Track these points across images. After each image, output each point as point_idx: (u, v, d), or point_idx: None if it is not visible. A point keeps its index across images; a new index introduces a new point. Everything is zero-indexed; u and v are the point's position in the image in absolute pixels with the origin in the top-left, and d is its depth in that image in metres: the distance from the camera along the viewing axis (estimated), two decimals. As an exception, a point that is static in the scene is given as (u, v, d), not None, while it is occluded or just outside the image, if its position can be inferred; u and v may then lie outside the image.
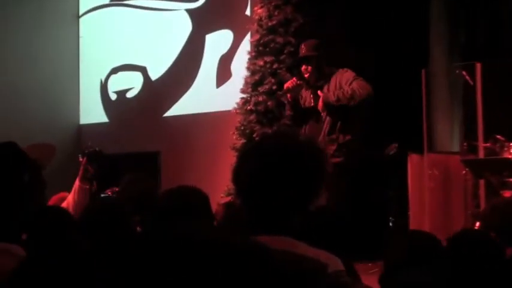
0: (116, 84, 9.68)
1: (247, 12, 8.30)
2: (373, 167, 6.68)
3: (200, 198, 2.65)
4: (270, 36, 7.17)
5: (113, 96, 9.76)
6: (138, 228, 3.06)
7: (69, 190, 4.35)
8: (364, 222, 6.07)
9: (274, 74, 7.07)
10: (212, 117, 8.33)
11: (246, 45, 8.06)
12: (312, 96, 5.73)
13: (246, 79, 7.36)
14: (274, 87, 6.94)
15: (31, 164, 2.32)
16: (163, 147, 8.88)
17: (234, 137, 7.19)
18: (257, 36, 7.33)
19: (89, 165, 4.40)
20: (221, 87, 8.51)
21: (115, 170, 5.47)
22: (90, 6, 10.05)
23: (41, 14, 9.46)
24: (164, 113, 9.11)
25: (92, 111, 9.86)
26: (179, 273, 1.01)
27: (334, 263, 1.90)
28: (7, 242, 2.24)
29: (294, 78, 5.85)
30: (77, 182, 4.34)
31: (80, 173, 4.38)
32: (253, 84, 7.18)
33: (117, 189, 4.87)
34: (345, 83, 5.57)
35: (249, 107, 7.11)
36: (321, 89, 5.68)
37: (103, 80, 9.82)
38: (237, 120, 7.26)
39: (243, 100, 7.28)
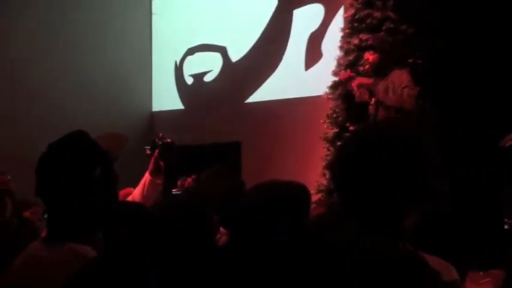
0: (192, 66, 9.86)
1: (341, -17, 8.31)
2: (485, 161, 6.59)
3: (302, 195, 2.68)
4: (366, 11, 7.12)
5: (189, 80, 9.94)
6: (221, 229, 3.14)
7: (136, 183, 4.48)
8: (475, 225, 6.00)
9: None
10: (300, 104, 8.36)
11: (338, 21, 8.06)
12: (366, 91, 5.98)
13: (338, 60, 7.34)
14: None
15: (103, 156, 2.42)
16: (245, 137, 8.97)
17: (325, 126, 7.19)
18: (351, 11, 7.29)
19: (160, 159, 4.50)
20: (310, 70, 8.55)
21: (190, 162, 5.61)
22: (163, -21, 10.29)
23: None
24: (246, 99, 9.21)
25: (165, 97, 10.08)
26: None
27: (448, 272, 1.90)
28: (79, 240, 2.36)
29: (348, 71, 6.06)
30: (147, 175, 4.44)
31: (151, 166, 4.47)
32: (347, 66, 7.15)
33: (189, 180, 5.02)
34: (398, 85, 5.81)
35: (342, 92, 7.11)
36: (375, 85, 5.91)
37: (178, 62, 10.01)
38: (329, 106, 7.26)
39: (335, 83, 7.28)
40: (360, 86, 5.98)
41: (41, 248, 2.40)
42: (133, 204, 3.21)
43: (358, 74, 6.83)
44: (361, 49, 7.06)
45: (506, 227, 6.48)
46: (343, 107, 7.05)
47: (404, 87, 5.65)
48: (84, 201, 2.34)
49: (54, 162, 2.35)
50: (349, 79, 5.96)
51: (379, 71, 6.20)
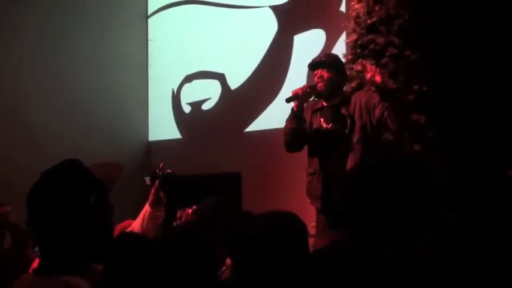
0: (190, 94, 9.89)
1: (342, 8, 8.36)
2: (494, 192, 6.58)
3: (298, 228, 2.70)
4: (370, 36, 7.16)
5: (187, 109, 9.97)
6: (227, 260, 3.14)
7: (134, 215, 4.48)
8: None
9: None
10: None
11: (341, 47, 8.10)
12: (331, 116, 5.69)
13: (341, 87, 7.37)
14: (374, 96, 6.93)
15: (97, 185, 2.42)
16: (245, 168, 8.98)
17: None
18: (354, 36, 7.32)
19: (161, 190, 4.49)
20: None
21: (188, 193, 5.61)
22: (160, 4, 10.34)
23: (107, 15, 9.79)
24: (246, 127, 9.23)
25: (162, 126, 10.11)
26: None
27: None
28: (73, 271, 2.36)
29: (305, 85, 5.81)
30: (146, 207, 4.44)
31: (151, 197, 4.46)
32: (349, 93, 7.16)
33: (189, 210, 5.01)
34: (372, 107, 5.50)
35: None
36: (338, 110, 5.67)
37: (175, 90, 10.05)
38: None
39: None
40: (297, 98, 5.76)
41: (32, 279, 2.40)
42: (135, 235, 3.22)
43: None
44: (364, 76, 7.08)
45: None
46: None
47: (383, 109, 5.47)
48: (77, 232, 2.34)
49: (46, 190, 2.36)
50: (308, 95, 5.74)
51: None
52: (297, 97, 5.68)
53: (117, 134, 9.65)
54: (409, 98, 6.87)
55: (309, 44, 8.67)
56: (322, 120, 5.73)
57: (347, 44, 7.65)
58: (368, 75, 5.39)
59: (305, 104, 5.79)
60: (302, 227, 2.73)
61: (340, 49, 8.04)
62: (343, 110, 5.60)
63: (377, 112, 5.45)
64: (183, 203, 5.28)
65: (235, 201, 5.84)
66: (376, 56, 7.08)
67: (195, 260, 2.62)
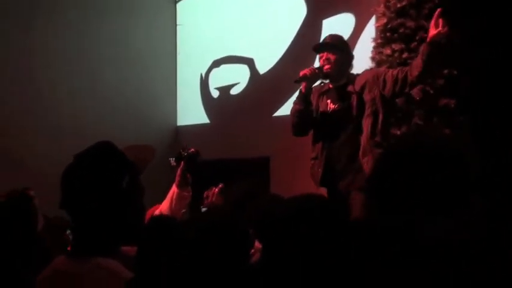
0: (219, 79, 9.93)
1: (372, -8, 8.34)
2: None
3: (328, 211, 2.71)
4: (399, 20, 7.13)
5: (215, 94, 10.01)
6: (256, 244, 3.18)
7: (161, 198, 4.53)
8: None
9: (404, 64, 6.99)
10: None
11: (370, 31, 8.09)
12: (337, 97, 5.66)
13: (370, 71, 7.36)
14: (404, 80, 6.91)
15: (130, 167, 2.45)
16: (274, 152, 9.01)
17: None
18: (384, 20, 7.30)
19: (187, 170, 4.54)
20: (341, 81, 8.58)
21: (217, 177, 5.65)
22: (188, -11, 10.39)
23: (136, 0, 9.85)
24: (274, 112, 9.25)
25: (190, 111, 10.16)
26: None
27: None
28: (106, 253, 2.40)
29: (313, 67, 5.78)
30: (174, 189, 4.48)
31: (178, 178, 4.51)
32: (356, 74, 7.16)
33: (215, 189, 5.06)
34: (382, 76, 5.43)
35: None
36: (345, 90, 5.65)
37: (203, 75, 10.09)
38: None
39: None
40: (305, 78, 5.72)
41: (66, 262, 2.44)
42: (166, 218, 3.26)
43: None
44: (393, 60, 7.07)
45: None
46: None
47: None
48: (110, 214, 2.37)
49: (80, 173, 2.39)
50: (316, 76, 5.70)
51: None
52: (305, 78, 5.68)
53: (146, 118, 9.71)
54: (438, 83, 6.86)
55: (338, 28, 8.65)
56: (329, 101, 5.73)
57: (376, 28, 7.63)
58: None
59: (312, 88, 5.80)
60: (332, 210, 2.73)
61: (369, 33, 8.03)
62: (349, 88, 5.60)
63: (390, 75, 5.39)
64: (211, 185, 5.34)
65: (263, 185, 5.88)
66: (406, 40, 7.06)
67: (227, 242, 2.64)
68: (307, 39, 9.00)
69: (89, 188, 2.36)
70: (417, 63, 5.19)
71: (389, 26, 7.20)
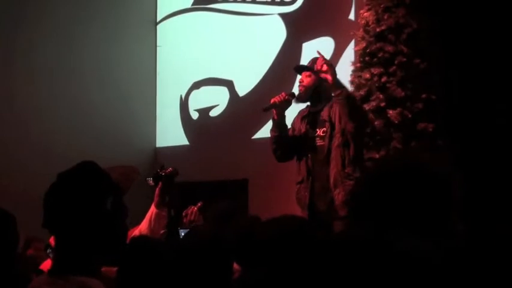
0: (198, 101, 9.93)
1: (351, 16, 8.40)
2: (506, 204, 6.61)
3: (306, 232, 2.74)
4: (378, 44, 7.20)
5: (194, 115, 10.02)
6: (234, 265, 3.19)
7: (140, 218, 4.56)
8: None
9: (383, 88, 7.08)
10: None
11: (349, 54, 8.16)
12: (315, 122, 5.81)
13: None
14: (382, 104, 6.96)
15: (114, 187, 2.47)
16: (252, 175, 9.03)
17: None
18: (363, 44, 7.37)
19: (165, 189, 4.57)
20: (320, 104, 8.63)
21: (196, 198, 5.68)
22: (169, 11, 10.38)
23: (116, 21, 9.85)
24: (253, 134, 9.28)
25: (170, 132, 10.16)
26: None
27: None
28: (87, 273, 2.41)
29: (283, 93, 5.89)
30: (152, 209, 4.52)
31: (156, 198, 4.55)
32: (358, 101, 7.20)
33: (194, 208, 5.09)
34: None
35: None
36: (318, 116, 5.75)
37: (183, 97, 10.10)
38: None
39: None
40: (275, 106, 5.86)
41: (48, 280, 2.45)
42: (147, 238, 3.28)
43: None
44: (372, 84, 7.13)
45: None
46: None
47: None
48: (93, 234, 2.39)
49: (63, 192, 2.41)
50: (286, 102, 5.85)
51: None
52: (274, 105, 5.84)
53: (125, 139, 9.69)
54: (417, 106, 6.93)
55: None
56: (308, 127, 5.83)
57: (356, 51, 7.69)
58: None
59: (299, 111, 5.90)
60: (310, 231, 2.76)
61: (348, 57, 8.10)
62: (323, 115, 5.69)
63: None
64: (189, 205, 5.38)
65: (242, 207, 5.90)
66: (385, 64, 7.13)
67: (209, 262, 2.67)
68: (287, 61, 9.06)
69: (72, 208, 2.37)
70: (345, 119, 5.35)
71: (368, 50, 7.27)
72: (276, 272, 2.35)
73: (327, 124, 5.67)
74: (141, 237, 3.46)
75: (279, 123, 5.86)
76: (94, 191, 2.40)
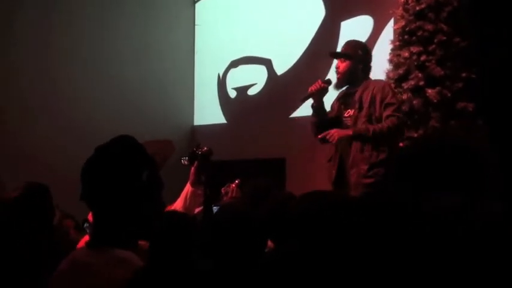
0: (236, 79, 9.96)
1: (391, -6, 8.35)
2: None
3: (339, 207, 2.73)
4: (418, 23, 7.14)
5: (232, 94, 10.04)
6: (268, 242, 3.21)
7: (176, 196, 4.60)
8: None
9: (421, 67, 7.04)
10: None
11: (388, 33, 8.11)
12: (347, 103, 5.89)
13: (388, 73, 7.37)
14: (421, 82, 6.91)
15: (150, 161, 2.50)
16: (290, 154, 9.04)
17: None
18: (402, 23, 7.32)
19: (201, 168, 4.61)
20: (358, 84, 8.60)
21: (233, 177, 5.71)
22: (207, -11, 10.43)
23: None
24: (291, 113, 9.28)
25: (207, 111, 10.20)
26: None
27: None
28: (123, 246, 2.45)
29: (319, 81, 5.94)
30: (187, 187, 4.56)
31: (192, 177, 4.60)
32: (396, 80, 7.17)
33: (233, 185, 5.13)
34: (379, 103, 5.67)
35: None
36: (352, 97, 5.82)
37: (221, 75, 10.13)
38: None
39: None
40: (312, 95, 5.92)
41: (87, 252, 2.50)
42: (179, 213, 3.31)
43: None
44: (411, 63, 7.09)
45: None
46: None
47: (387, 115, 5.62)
48: (130, 207, 2.42)
49: (100, 165, 2.44)
50: (323, 90, 5.92)
51: None
52: (311, 95, 5.95)
53: (163, 117, 9.75)
54: (457, 86, 6.88)
55: (356, 30, 8.67)
56: (342, 107, 5.92)
57: (395, 30, 7.64)
58: None
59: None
60: (343, 205, 2.73)
61: (387, 35, 8.05)
62: (355, 96, 5.76)
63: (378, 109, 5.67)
64: (227, 182, 5.42)
65: (279, 186, 5.95)
66: (424, 43, 7.08)
67: (241, 238, 2.68)
68: (325, 40, 9.05)
69: (109, 181, 2.41)
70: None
71: (407, 28, 7.22)
72: (305, 247, 2.36)
73: (356, 105, 5.75)
74: (174, 212, 3.49)
75: (318, 109, 5.95)
76: (130, 164, 2.44)
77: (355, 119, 5.74)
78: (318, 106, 5.96)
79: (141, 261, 2.49)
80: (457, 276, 1.56)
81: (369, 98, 5.71)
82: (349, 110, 5.89)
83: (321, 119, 5.95)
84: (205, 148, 4.73)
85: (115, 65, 9.25)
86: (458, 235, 1.56)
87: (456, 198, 1.69)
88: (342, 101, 5.99)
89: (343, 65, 5.92)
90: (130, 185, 2.41)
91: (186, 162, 4.71)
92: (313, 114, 6.04)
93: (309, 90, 5.93)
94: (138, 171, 2.43)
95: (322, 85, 5.88)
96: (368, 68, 5.99)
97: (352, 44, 6.05)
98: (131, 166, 2.43)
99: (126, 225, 2.45)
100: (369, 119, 5.67)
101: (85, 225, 4.10)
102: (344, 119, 5.92)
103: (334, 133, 5.61)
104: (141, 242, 2.84)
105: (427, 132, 6.68)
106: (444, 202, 1.63)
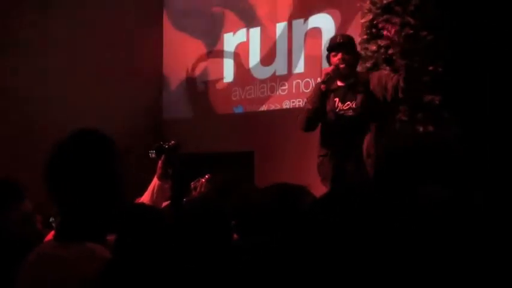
0: (205, 73, 9.96)
1: (358, -12, 8.37)
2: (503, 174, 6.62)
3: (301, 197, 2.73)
4: (385, 16, 7.17)
5: (200, 87, 10.03)
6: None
7: (143, 192, 4.59)
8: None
9: (389, 60, 7.06)
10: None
11: (356, 27, 8.13)
12: (346, 96, 5.85)
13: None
14: (389, 75, 6.95)
15: (112, 154, 2.49)
16: (258, 147, 9.05)
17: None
18: (369, 16, 7.33)
19: (168, 162, 4.60)
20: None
21: (201, 170, 5.70)
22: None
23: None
24: (259, 107, 9.28)
25: (176, 104, 10.18)
26: None
27: None
28: (91, 240, 2.43)
29: (332, 65, 5.92)
30: (155, 181, 4.55)
31: (159, 171, 4.59)
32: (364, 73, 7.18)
33: (202, 180, 5.13)
34: (385, 79, 5.71)
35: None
36: (353, 89, 5.84)
37: (189, 68, 10.11)
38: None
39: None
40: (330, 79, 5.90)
41: (55, 245, 2.48)
42: (146, 206, 3.29)
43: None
44: (379, 56, 7.11)
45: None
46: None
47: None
48: (94, 199, 2.41)
49: (62, 160, 2.43)
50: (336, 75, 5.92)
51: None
52: (330, 77, 5.90)
53: (131, 111, 9.71)
54: (424, 79, 6.91)
55: (323, 25, 8.70)
56: (337, 100, 5.88)
57: (362, 24, 7.66)
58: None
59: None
60: (305, 195, 2.72)
61: (355, 29, 8.07)
62: (359, 87, 5.75)
63: (392, 80, 5.63)
64: (197, 177, 5.40)
65: (248, 179, 5.95)
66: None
67: (207, 230, 2.67)
68: (293, 34, 9.05)
69: (72, 176, 2.39)
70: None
71: (375, 22, 7.23)
72: (267, 239, 2.36)
73: (362, 96, 5.79)
74: (138, 204, 3.48)
75: (325, 95, 5.92)
76: (92, 158, 2.42)
77: (362, 109, 5.73)
78: (326, 92, 5.94)
79: (110, 255, 2.48)
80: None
81: (373, 86, 5.74)
82: (349, 102, 5.88)
83: (323, 106, 5.92)
84: (172, 142, 4.71)
85: (80, 56, 9.19)
86: (456, 225, 1.60)
87: (446, 191, 1.73)
88: (337, 94, 5.96)
89: (349, 57, 5.94)
90: (94, 179, 2.40)
91: (153, 156, 4.70)
92: (316, 99, 5.97)
93: (325, 73, 5.92)
94: (100, 165, 2.42)
95: (334, 67, 5.86)
96: (358, 64, 6.20)
97: (350, 37, 6.12)
98: (93, 160, 2.42)
99: (92, 219, 2.44)
100: (361, 109, 5.69)
101: (51, 219, 4.07)
102: (342, 111, 5.90)
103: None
104: (111, 237, 2.82)
105: (394, 125, 6.70)
106: (437, 195, 1.67)
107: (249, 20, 9.54)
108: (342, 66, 5.90)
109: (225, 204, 2.95)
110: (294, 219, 2.29)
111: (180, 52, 10.23)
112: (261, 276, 2.20)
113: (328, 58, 6.11)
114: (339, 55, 5.94)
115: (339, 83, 5.98)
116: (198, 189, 5.28)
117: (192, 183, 5.34)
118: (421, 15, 7.02)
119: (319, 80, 6.08)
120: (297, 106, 8.75)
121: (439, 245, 1.60)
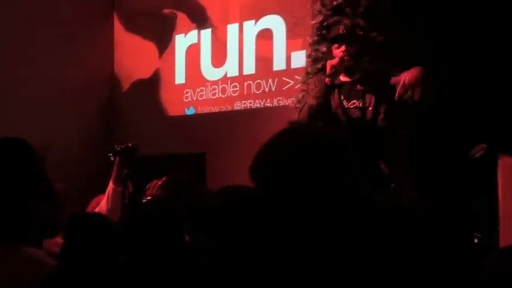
0: (156, 74, 9.91)
1: (308, -11, 8.39)
2: (455, 172, 6.67)
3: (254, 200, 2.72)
4: (335, 18, 7.19)
5: (152, 89, 9.98)
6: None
7: (104, 192, 4.52)
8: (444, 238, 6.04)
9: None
10: (268, 113, 8.43)
11: (306, 28, 8.14)
12: (351, 93, 5.70)
13: (306, 68, 7.41)
14: (339, 77, 6.95)
15: (33, 160, 2.46)
16: (210, 148, 9.01)
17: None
18: (320, 18, 7.35)
19: (122, 164, 4.54)
20: (277, 79, 8.62)
21: (153, 173, 5.65)
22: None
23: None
24: (211, 108, 9.26)
25: (127, 106, 10.12)
26: None
27: None
28: (26, 245, 2.39)
29: (337, 58, 5.76)
30: (110, 185, 4.48)
31: (113, 174, 4.52)
32: (315, 74, 7.18)
33: (157, 182, 5.09)
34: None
35: (309, 101, 7.12)
36: (360, 85, 5.70)
37: (141, 70, 10.06)
38: (295, 117, 7.27)
39: (303, 93, 7.28)
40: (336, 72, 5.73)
41: None
42: (93, 214, 3.26)
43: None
44: (329, 58, 7.11)
45: (476, 240, 6.56)
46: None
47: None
48: (20, 203, 2.38)
49: None
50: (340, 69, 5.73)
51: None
52: (336, 71, 5.69)
53: (82, 114, 9.64)
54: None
55: (274, 26, 8.70)
56: (341, 97, 5.73)
57: (313, 25, 7.66)
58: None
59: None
60: (257, 200, 2.72)
61: (306, 31, 8.08)
62: (365, 87, 5.60)
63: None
64: (149, 180, 5.35)
65: (200, 180, 5.90)
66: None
67: (157, 232, 2.65)
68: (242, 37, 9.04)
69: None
70: None
71: (324, 23, 7.24)
72: (218, 241, 2.35)
73: (371, 96, 5.61)
74: (83, 213, 3.44)
75: (330, 89, 5.70)
76: (11, 163, 2.40)
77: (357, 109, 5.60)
78: (331, 86, 5.73)
79: (48, 259, 2.43)
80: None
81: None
82: (354, 101, 5.75)
83: (326, 102, 5.73)
84: (128, 144, 4.66)
85: (23, 58, 9.09)
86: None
87: (389, 191, 1.76)
88: (341, 91, 5.81)
89: (354, 49, 5.76)
90: (15, 180, 2.37)
91: (112, 159, 4.65)
92: (322, 94, 5.77)
93: (330, 66, 5.73)
94: (18, 169, 2.39)
95: (346, 58, 5.66)
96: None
97: (356, 25, 6.06)
98: (11, 165, 2.39)
99: (21, 223, 2.40)
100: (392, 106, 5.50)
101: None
102: (349, 110, 5.75)
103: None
104: (48, 241, 2.78)
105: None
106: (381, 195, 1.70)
107: (201, 21, 9.50)
108: (347, 58, 5.70)
109: (177, 206, 2.93)
110: (246, 220, 2.28)
111: (131, 54, 10.16)
112: (214, 278, 2.19)
113: (329, 50, 5.87)
114: (342, 47, 5.76)
115: (342, 78, 5.84)
116: (150, 191, 5.24)
117: (148, 185, 5.31)
118: (370, 16, 7.05)
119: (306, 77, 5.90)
120: (248, 107, 8.74)
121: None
